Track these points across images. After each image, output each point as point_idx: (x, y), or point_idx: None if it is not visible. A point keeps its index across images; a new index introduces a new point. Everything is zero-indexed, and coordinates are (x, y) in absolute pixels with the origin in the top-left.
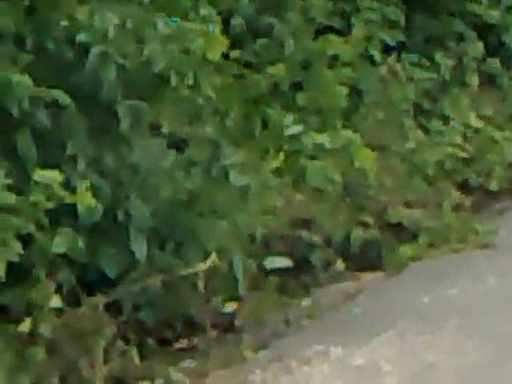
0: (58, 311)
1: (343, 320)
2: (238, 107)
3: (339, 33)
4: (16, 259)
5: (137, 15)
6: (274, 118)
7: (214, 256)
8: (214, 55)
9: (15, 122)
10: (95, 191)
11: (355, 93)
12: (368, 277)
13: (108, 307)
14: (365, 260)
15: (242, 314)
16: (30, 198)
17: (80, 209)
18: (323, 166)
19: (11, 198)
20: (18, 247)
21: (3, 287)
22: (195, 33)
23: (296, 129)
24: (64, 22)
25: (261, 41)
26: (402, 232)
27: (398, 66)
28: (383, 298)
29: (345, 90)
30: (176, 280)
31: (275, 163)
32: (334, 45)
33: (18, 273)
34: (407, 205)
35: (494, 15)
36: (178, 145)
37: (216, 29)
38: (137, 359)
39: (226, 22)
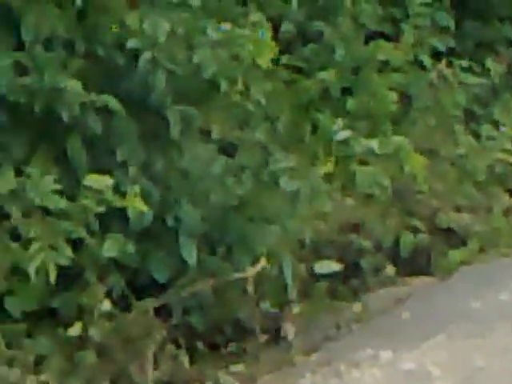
0: (108, 315)
1: (393, 324)
2: (288, 112)
3: (389, 38)
4: (67, 263)
5: (187, 21)
6: (324, 123)
7: (263, 260)
8: (264, 61)
9: (66, 128)
10: (145, 196)
11: (405, 98)
12: (418, 281)
13: (158, 311)
14: (414, 265)
15: (291, 319)
16: (80, 202)
17: (130, 214)
18: (373, 171)
19: (62, 203)
20: (68, 251)
21: (54, 291)
22: (245, 38)
23: (345, 134)
24: (114, 28)
25: (311, 46)
26: (451, 237)
27: (448, 72)
28: (433, 303)
29: (394, 96)
30: (226, 284)
31: (325, 168)
32: (384, 50)
33: (69, 277)
34: (457, 209)
35: None
36: (228, 150)
37: (266, 34)
38: (187, 363)
39: (276, 28)
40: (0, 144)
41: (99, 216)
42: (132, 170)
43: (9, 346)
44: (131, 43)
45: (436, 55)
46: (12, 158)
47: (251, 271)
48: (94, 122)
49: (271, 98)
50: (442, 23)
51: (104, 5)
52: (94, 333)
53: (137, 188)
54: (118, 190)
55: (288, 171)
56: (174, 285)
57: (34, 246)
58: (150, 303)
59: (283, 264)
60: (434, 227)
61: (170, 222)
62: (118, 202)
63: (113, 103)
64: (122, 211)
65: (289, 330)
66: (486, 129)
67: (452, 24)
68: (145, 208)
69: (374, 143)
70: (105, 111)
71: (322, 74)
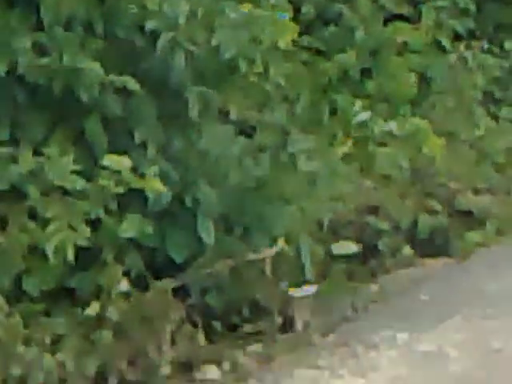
0: (126, 295)
1: (410, 306)
2: (307, 94)
3: (408, 20)
4: (84, 243)
5: (206, 2)
6: (343, 104)
7: (281, 241)
8: (284, 42)
9: (84, 109)
10: (164, 177)
11: (424, 80)
12: (435, 263)
13: (175, 291)
14: (432, 246)
15: (309, 299)
16: (98, 183)
17: (148, 194)
18: (391, 153)
19: (80, 184)
20: (86, 231)
21: (72, 271)
22: (265, 20)
23: (364, 115)
24: (133, 9)
25: (330, 28)
26: (469, 218)
27: (468, 54)
28: (450, 284)
29: (414, 78)
30: (243, 265)
31: (343, 149)
32: (404, 32)
33: (87, 257)
34: (475, 192)
35: None
36: (246, 131)
37: (286, 16)
38: (204, 343)
39: (296, 10)
40: (19, 124)
41: (117, 196)
42: (150, 150)
43: (26, 325)
44: (150, 24)
45: (455, 37)
46: (31, 139)
47: (269, 252)
48: (112, 103)
49: (290, 80)
50: (462, 5)
51: None
52: (111, 312)
53: (155, 169)
54: (136, 170)
55: (306, 152)
56: (192, 265)
57: (52, 226)
58: (168, 283)
59: (301, 245)
60: (452, 209)
61: (188, 202)
62: (136, 183)
63: (132, 84)
64: (141, 192)
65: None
66: (505, 111)
67: (472, 6)
68: (163, 188)
69: (392, 125)
70: (124, 92)
71: (342, 56)
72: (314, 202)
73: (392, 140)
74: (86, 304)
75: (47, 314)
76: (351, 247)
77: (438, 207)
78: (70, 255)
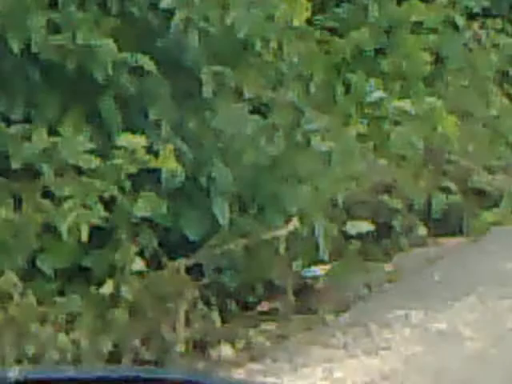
0: (140, 274)
1: (424, 285)
2: (321, 72)
3: None
4: (99, 222)
5: None
6: (357, 83)
7: (295, 220)
8: (298, 21)
9: (99, 87)
10: (178, 156)
11: (439, 59)
12: (449, 242)
13: (190, 270)
14: (446, 225)
15: (323, 278)
16: (112, 162)
17: (163, 173)
18: (406, 132)
19: (94, 162)
20: (100, 210)
21: (86, 250)
22: None
23: (379, 94)
24: None
25: (345, 6)
26: (484, 197)
27: (483, 32)
28: (465, 263)
29: (428, 56)
30: (257, 244)
31: (358, 129)
32: (418, 10)
33: (101, 236)
34: (489, 170)
35: None
36: (260, 110)
37: None
38: (218, 322)
39: None
40: (33, 103)
41: (132, 176)
42: (165, 129)
43: (41, 303)
44: (165, 3)
45: (470, 16)
46: (45, 118)
47: (283, 231)
48: (126, 82)
49: (304, 58)
50: None
51: None
52: (125, 291)
53: (170, 147)
54: (150, 149)
55: (321, 131)
56: (206, 244)
57: (67, 205)
58: (182, 262)
59: (315, 224)
60: (467, 188)
61: (202, 181)
62: (150, 162)
63: (146, 63)
64: (155, 171)
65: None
66: None
67: None
68: (177, 167)
69: (407, 104)
70: (138, 71)
71: (356, 35)
72: (328, 181)
73: (406, 119)
74: (101, 283)
75: (61, 293)
76: (365, 226)
77: (453, 186)
78: (85, 234)
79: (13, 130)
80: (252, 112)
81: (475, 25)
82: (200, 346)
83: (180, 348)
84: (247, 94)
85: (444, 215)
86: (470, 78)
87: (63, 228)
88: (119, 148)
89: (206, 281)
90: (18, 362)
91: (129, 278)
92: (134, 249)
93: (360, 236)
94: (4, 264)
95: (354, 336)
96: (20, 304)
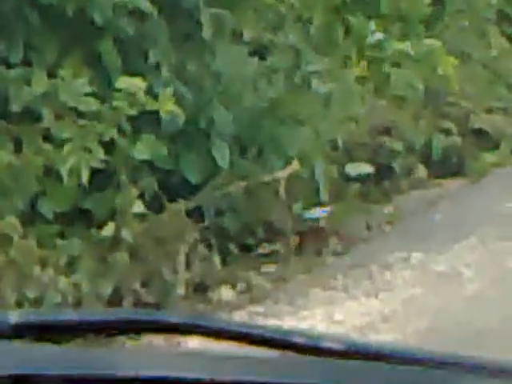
0: (141, 217)
1: (424, 226)
2: (321, 14)
3: None
4: (99, 165)
5: None
6: (357, 25)
7: (295, 163)
8: None
9: (98, 30)
10: (178, 98)
11: (438, 0)
12: (450, 183)
13: (190, 213)
14: (447, 167)
15: (323, 220)
16: (112, 104)
17: (163, 116)
18: (406, 74)
19: (94, 105)
20: (100, 153)
21: (86, 193)
22: None
23: (378, 36)
24: None
25: None
26: (483, 139)
27: None
28: (465, 205)
29: None
30: (257, 186)
31: (358, 70)
32: None
33: (102, 179)
34: (489, 112)
35: None
36: (260, 52)
37: None
38: (218, 264)
39: None
40: (32, 46)
41: (132, 118)
42: (164, 72)
43: (41, 246)
44: None
45: None
46: (44, 61)
47: (283, 173)
48: (126, 24)
49: (304, 0)
50: None
51: None
52: (126, 234)
53: (169, 90)
54: (150, 92)
55: (320, 73)
56: (206, 187)
57: (67, 148)
58: (183, 205)
59: (315, 166)
60: (467, 129)
61: (202, 123)
62: (150, 104)
63: (145, 5)
64: (155, 114)
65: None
66: None
67: None
68: (177, 110)
69: (406, 45)
70: (137, 13)
71: None
72: (327, 123)
73: (406, 60)
74: (101, 226)
75: (62, 235)
76: (365, 168)
77: (453, 127)
78: (85, 177)
79: (12, 73)
80: (251, 54)
81: None
82: (200, 289)
83: (180, 291)
84: (247, 37)
85: (444, 157)
86: (469, 19)
87: (63, 171)
88: (119, 91)
89: (206, 223)
90: (19, 305)
91: (129, 220)
92: (135, 191)
93: (360, 178)
94: (4, 207)
95: (355, 278)
96: (20, 247)
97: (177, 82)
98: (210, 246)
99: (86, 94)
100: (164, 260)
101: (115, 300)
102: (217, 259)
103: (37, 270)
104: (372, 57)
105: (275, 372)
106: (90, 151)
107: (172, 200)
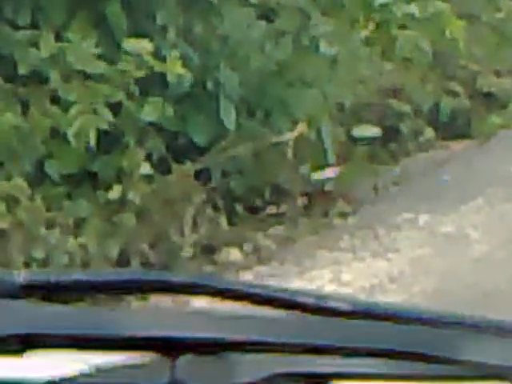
0: (148, 178)
1: (432, 188)
2: None
3: None
4: (106, 127)
5: None
6: None
7: (302, 125)
8: None
9: None
10: (185, 60)
11: None
12: (457, 145)
13: (197, 175)
14: (454, 128)
15: (330, 182)
16: (119, 66)
17: (170, 78)
18: (413, 36)
19: (101, 67)
20: (107, 115)
21: (94, 155)
22: None
23: None
24: None
25: None
26: (491, 101)
27: None
28: (472, 166)
29: None
30: (265, 148)
31: (365, 33)
32: None
33: (109, 141)
34: (497, 74)
35: None
36: (267, 15)
37: None
38: (225, 226)
39: None
40: (39, 9)
41: (139, 80)
42: (171, 34)
43: (49, 208)
44: None
45: None
46: (52, 23)
47: (290, 135)
48: None
49: None
50: None
51: None
52: (133, 195)
53: (176, 52)
54: (157, 54)
55: (327, 35)
56: (213, 148)
57: (74, 110)
58: (190, 167)
59: (322, 128)
60: (474, 91)
61: (209, 86)
62: (157, 66)
63: None
64: (162, 75)
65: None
66: None
67: None
68: (184, 72)
69: (414, 7)
70: None
71: None
72: (335, 85)
73: (413, 23)
74: (109, 187)
75: (69, 197)
76: (373, 130)
77: (460, 90)
78: (92, 139)
79: (19, 35)
80: (259, 17)
81: None
82: (208, 250)
83: (187, 252)
84: None
85: (451, 118)
86: None
87: (71, 133)
88: (126, 53)
89: (213, 185)
90: (27, 265)
91: (136, 182)
92: (142, 153)
93: (367, 140)
94: (12, 169)
95: (362, 239)
96: (28, 209)
97: (184, 44)
98: (216, 208)
99: (94, 56)
100: (171, 221)
101: (122, 261)
102: (224, 220)
103: (44, 231)
104: (379, 19)
105: (285, 331)
106: (97, 113)
107: (179, 162)
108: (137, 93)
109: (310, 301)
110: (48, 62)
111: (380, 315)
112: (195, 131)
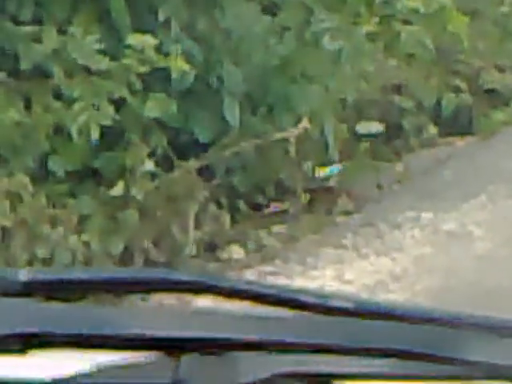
0: (151, 175)
1: (434, 185)
2: None
3: None
4: (109, 123)
5: None
6: None
7: (305, 121)
8: None
9: None
10: (188, 56)
11: None
12: (460, 141)
13: (200, 172)
14: (457, 125)
15: (333, 179)
16: (122, 62)
17: (173, 73)
18: (416, 31)
19: (104, 63)
20: (110, 111)
21: (97, 151)
22: None
23: None
24: None
25: None
26: (494, 97)
27: None
28: (475, 163)
29: None
30: (268, 145)
31: (368, 28)
32: None
33: (112, 137)
34: (500, 70)
35: None
36: (270, 10)
37: None
38: (228, 223)
39: None
40: (42, 4)
41: (142, 76)
42: (174, 29)
43: (51, 205)
44: None
45: None
46: (55, 18)
47: (293, 131)
48: None
49: None
50: None
51: None
52: (136, 192)
53: (179, 47)
54: (160, 49)
55: (331, 31)
56: (216, 145)
57: (77, 106)
58: (193, 163)
59: (325, 124)
60: (477, 87)
61: (212, 81)
62: (160, 62)
63: None
64: (165, 71)
65: (331, 190)
66: None
67: None
68: (187, 67)
69: (417, 2)
70: None
71: None
72: (338, 81)
73: (416, 18)
74: (111, 184)
75: (72, 194)
76: (376, 126)
77: (463, 85)
78: (95, 135)
79: (22, 30)
80: (262, 12)
81: None
82: (211, 248)
83: (190, 249)
84: None
85: (454, 115)
86: None
87: (73, 129)
88: (129, 48)
89: (216, 182)
90: (29, 263)
91: (139, 179)
92: (145, 150)
93: (370, 136)
94: (14, 166)
95: (365, 237)
96: (31, 205)
97: (187, 39)
98: (220, 205)
99: (97, 51)
100: (174, 218)
101: (125, 259)
102: (227, 218)
103: (47, 228)
104: (382, 14)
105: (290, 331)
106: (100, 109)
107: (182, 158)
108: (140, 88)
109: (314, 300)
110: (51, 58)
111: (384, 314)
112: (198, 127)
